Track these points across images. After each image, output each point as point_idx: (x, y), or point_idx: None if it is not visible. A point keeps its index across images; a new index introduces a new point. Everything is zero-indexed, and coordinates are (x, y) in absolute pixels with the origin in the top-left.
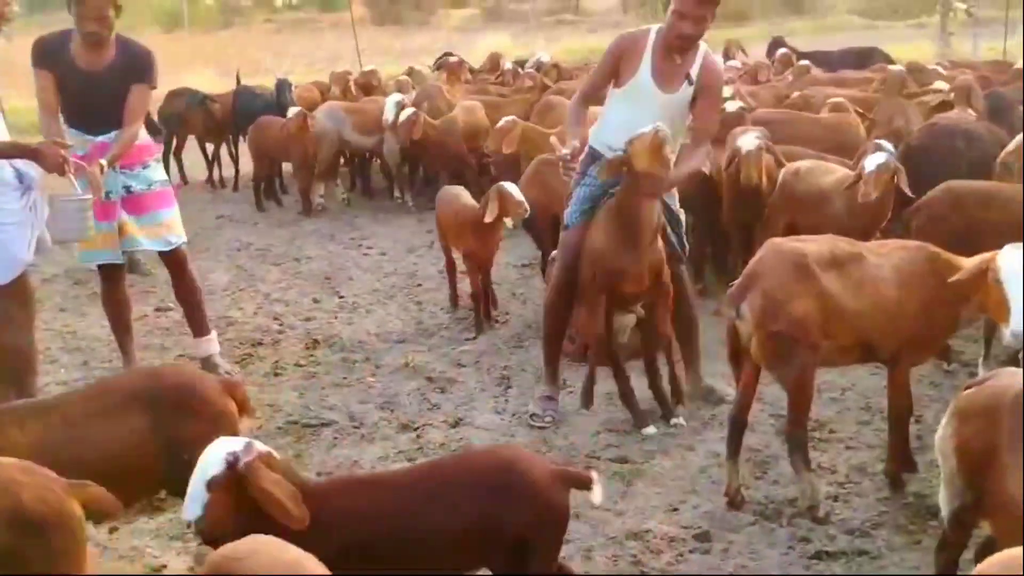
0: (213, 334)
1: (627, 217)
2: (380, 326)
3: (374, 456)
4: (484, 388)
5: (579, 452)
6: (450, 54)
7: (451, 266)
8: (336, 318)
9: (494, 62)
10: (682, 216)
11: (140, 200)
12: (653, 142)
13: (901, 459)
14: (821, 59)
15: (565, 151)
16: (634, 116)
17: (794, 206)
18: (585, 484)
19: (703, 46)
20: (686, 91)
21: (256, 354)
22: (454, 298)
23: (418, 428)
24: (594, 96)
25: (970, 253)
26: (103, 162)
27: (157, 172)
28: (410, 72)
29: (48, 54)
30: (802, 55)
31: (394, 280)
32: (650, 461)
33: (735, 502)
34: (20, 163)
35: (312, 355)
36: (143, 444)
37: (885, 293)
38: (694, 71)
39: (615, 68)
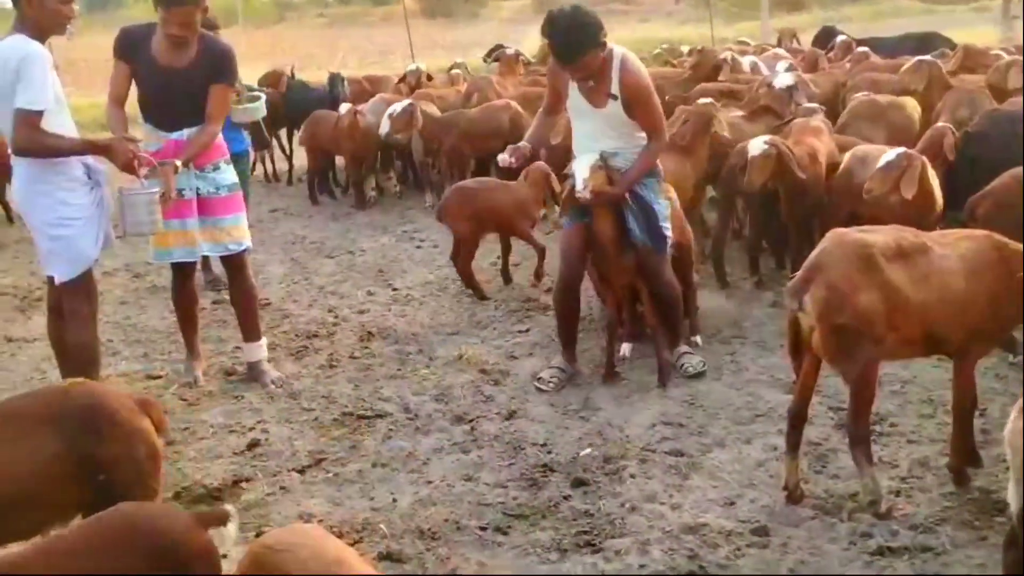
0: (263, 340)
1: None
2: (433, 318)
3: (429, 448)
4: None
5: (634, 445)
6: (502, 46)
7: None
8: (390, 310)
9: (546, 53)
10: (662, 208)
11: (206, 203)
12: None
13: (965, 453)
14: (878, 46)
15: (504, 155)
16: (582, 129)
17: (857, 194)
18: (221, 521)
19: (617, 58)
20: (614, 106)
21: (311, 346)
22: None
23: (472, 420)
24: (554, 111)
25: None
26: (178, 162)
27: (227, 175)
28: (454, 67)
29: (130, 46)
30: (857, 42)
31: (447, 272)
32: (707, 454)
33: (794, 496)
34: (89, 159)
35: (367, 347)
36: (55, 469)
37: (952, 284)
38: (614, 87)
39: (558, 89)
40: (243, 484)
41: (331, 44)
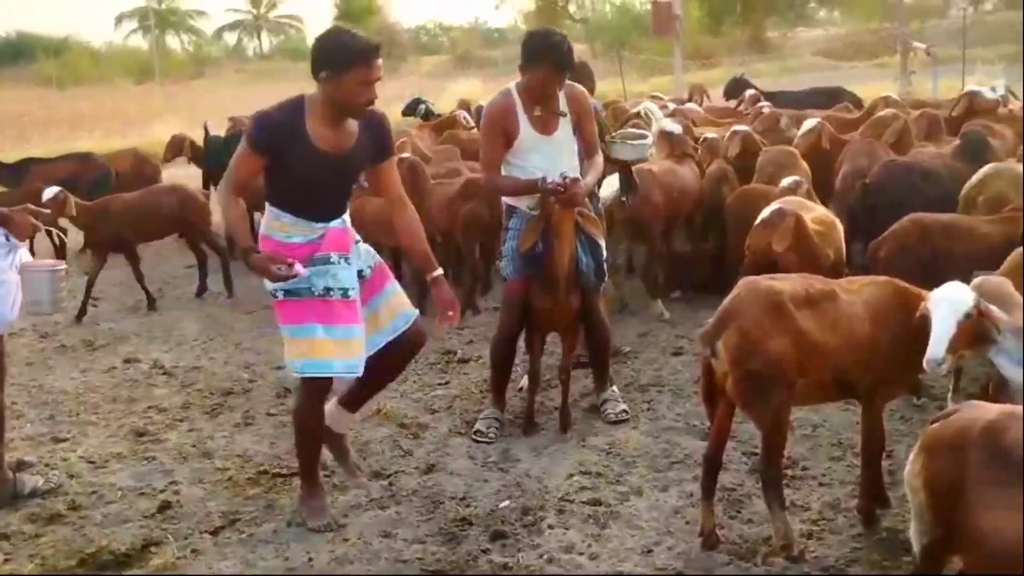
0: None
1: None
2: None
3: (346, 504)
4: (457, 433)
5: (553, 496)
6: (421, 100)
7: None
8: None
9: (464, 108)
10: (602, 243)
11: (372, 281)
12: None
13: (874, 495)
14: (789, 99)
15: (554, 178)
16: (535, 162)
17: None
18: None
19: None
20: (564, 126)
21: (227, 403)
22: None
23: (390, 475)
24: (499, 168)
25: (936, 283)
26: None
27: (364, 245)
28: None
29: (277, 137)
30: (767, 95)
31: None
32: (624, 503)
33: (710, 542)
34: None
35: (283, 403)
36: None
37: (858, 329)
38: (562, 105)
39: (504, 136)
40: (152, 548)
41: (250, 99)
